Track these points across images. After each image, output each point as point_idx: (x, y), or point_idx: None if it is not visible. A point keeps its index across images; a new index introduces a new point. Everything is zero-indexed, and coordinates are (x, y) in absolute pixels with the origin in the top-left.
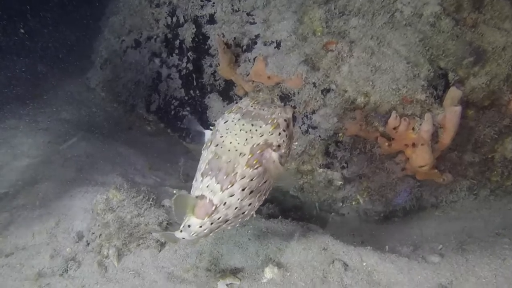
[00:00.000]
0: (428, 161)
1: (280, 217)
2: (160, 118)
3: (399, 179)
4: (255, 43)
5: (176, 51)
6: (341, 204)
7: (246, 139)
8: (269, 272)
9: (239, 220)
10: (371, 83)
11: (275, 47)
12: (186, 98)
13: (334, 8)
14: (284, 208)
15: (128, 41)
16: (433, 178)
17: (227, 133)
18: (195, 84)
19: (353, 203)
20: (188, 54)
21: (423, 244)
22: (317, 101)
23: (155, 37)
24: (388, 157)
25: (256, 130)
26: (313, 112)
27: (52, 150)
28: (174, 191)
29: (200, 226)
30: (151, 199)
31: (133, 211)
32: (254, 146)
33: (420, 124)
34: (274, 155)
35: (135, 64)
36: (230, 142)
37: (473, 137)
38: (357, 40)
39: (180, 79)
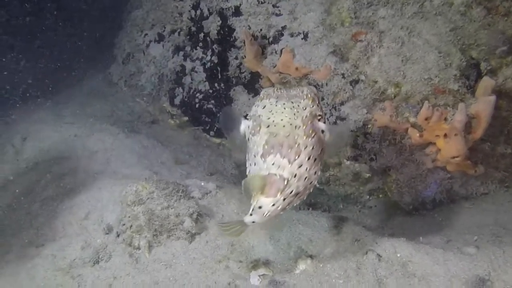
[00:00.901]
0: (461, 151)
1: (310, 208)
2: (184, 111)
3: (429, 171)
4: (282, 34)
5: (200, 44)
6: (368, 196)
7: (294, 114)
8: (302, 263)
9: (307, 192)
10: (402, 73)
11: (302, 38)
12: (211, 91)
13: None
14: (309, 201)
15: (151, 35)
16: (465, 169)
17: (272, 114)
18: (219, 77)
19: (380, 195)
20: (213, 47)
21: (456, 236)
22: (346, 92)
23: (178, 30)
24: (417, 149)
25: (298, 105)
26: (342, 103)
27: (79, 144)
28: (202, 183)
29: (273, 205)
30: (180, 190)
31: (163, 203)
32: (304, 118)
33: (453, 115)
34: (321, 124)
35: (158, 58)
36: (281, 119)
37: (506, 128)
38: (387, 30)
39: (204, 72)
